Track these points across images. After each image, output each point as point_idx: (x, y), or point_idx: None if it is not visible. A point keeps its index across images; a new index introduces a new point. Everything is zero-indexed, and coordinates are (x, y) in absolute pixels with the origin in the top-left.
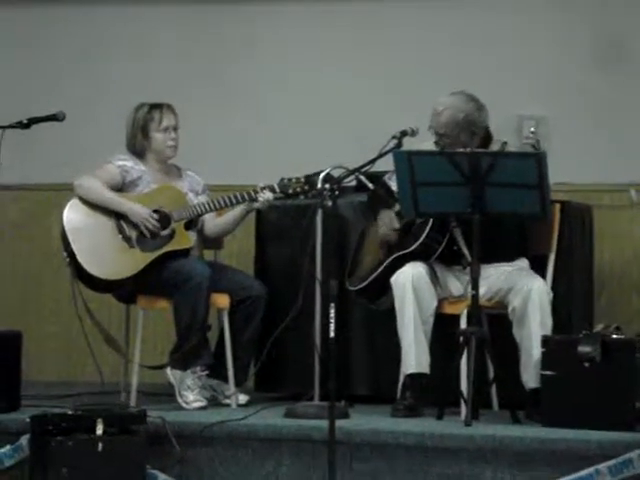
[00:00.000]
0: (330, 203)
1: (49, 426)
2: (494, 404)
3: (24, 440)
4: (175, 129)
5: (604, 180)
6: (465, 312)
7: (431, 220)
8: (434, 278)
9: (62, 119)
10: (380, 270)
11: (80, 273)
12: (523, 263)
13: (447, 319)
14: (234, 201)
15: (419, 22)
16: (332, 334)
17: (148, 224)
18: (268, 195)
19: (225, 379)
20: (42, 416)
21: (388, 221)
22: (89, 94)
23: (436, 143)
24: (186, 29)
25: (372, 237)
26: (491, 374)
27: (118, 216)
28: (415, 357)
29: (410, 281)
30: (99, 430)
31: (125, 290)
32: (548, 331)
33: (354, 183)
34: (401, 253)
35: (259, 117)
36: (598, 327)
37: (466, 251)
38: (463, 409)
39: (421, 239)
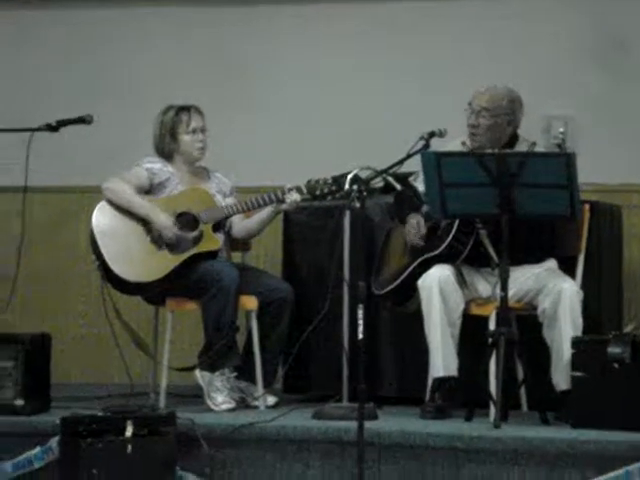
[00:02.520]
0: (358, 204)
1: (79, 428)
2: (523, 405)
3: (54, 442)
4: (203, 131)
5: (633, 180)
6: (494, 313)
7: (457, 222)
8: (461, 280)
9: (90, 122)
10: (406, 273)
11: (109, 275)
12: (552, 264)
13: (476, 320)
14: (262, 202)
15: (448, 25)
16: (360, 335)
17: (165, 235)
18: (295, 196)
19: (253, 381)
20: (72, 418)
21: (416, 226)
22: (117, 96)
23: (463, 143)
24: (214, 30)
25: (397, 239)
26: (520, 375)
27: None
28: (442, 360)
29: (437, 284)
30: (129, 432)
31: (154, 292)
32: (579, 332)
33: (381, 184)
34: (427, 256)
35: (286, 118)
36: (628, 328)
37: (493, 253)
38: (492, 411)
39: (447, 241)
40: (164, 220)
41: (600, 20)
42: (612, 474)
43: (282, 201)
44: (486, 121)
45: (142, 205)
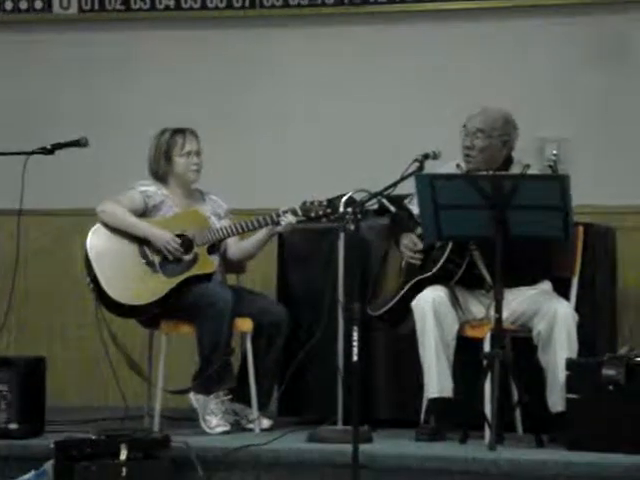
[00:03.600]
0: (352, 226)
1: (73, 451)
2: (518, 428)
3: (48, 465)
4: (198, 153)
5: (627, 202)
6: (488, 335)
7: (450, 243)
8: (455, 302)
9: (85, 145)
10: (400, 295)
11: (103, 298)
12: (546, 286)
13: (470, 342)
14: (256, 225)
15: (440, 46)
16: (355, 358)
17: (170, 248)
18: (290, 218)
19: (248, 403)
20: (66, 441)
21: (411, 244)
22: (112, 119)
23: (457, 165)
24: (208, 52)
25: (393, 261)
26: (515, 397)
27: (141, 241)
28: (437, 382)
29: (431, 305)
30: (123, 455)
31: (148, 315)
32: (574, 354)
33: (376, 206)
34: (421, 277)
35: (281, 140)
36: (622, 350)
37: (486, 274)
38: (487, 433)
39: (440, 263)
40: (164, 235)
41: (596, 43)
42: None
43: (277, 223)
44: (480, 142)
45: (138, 225)
